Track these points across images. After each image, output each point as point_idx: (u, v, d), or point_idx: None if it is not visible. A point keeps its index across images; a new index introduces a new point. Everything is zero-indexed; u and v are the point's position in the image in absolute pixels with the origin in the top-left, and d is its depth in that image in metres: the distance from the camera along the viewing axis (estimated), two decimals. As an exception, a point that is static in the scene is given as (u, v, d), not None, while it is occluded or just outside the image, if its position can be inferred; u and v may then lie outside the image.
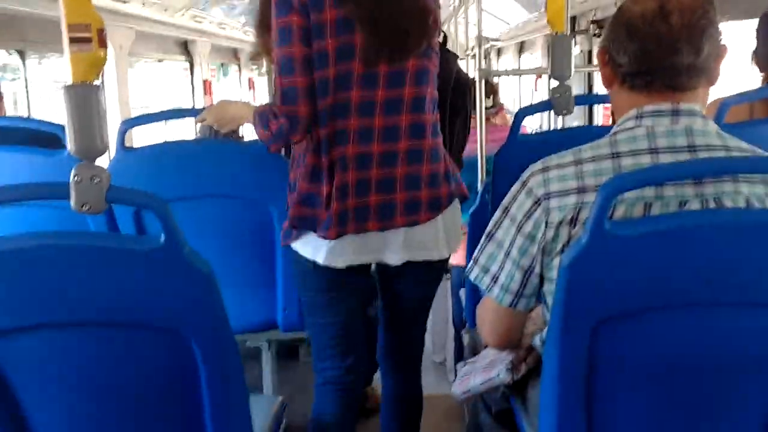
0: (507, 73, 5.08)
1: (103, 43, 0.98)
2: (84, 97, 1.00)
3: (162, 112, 1.78)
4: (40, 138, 1.77)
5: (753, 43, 1.82)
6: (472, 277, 1.20)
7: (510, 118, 2.92)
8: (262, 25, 1.58)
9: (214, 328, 1.05)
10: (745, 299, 1.01)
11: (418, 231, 1.53)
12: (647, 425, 1.09)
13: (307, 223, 1.49)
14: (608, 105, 2.97)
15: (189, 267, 1.01)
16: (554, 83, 1.77)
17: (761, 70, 1.80)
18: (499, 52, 7.67)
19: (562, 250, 1.07)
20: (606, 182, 0.97)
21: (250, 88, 6.10)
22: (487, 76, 2.43)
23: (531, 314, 1.28)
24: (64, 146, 1.69)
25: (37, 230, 1.03)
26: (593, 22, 3.93)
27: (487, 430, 1.48)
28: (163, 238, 0.99)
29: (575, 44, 4.20)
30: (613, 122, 1.15)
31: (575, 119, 4.25)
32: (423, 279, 1.64)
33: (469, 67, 5.09)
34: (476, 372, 1.40)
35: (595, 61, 4.17)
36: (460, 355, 2.64)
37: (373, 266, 1.64)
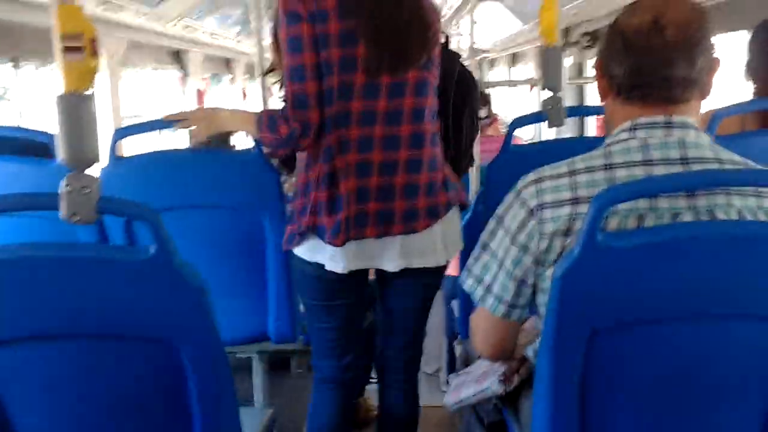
0: (500, 84, 5.11)
1: (95, 53, 0.98)
2: (76, 106, 1.00)
3: (154, 121, 1.77)
4: (32, 148, 1.76)
5: (746, 55, 1.83)
6: (465, 287, 1.20)
7: (504, 129, 2.93)
8: (277, 42, 1.60)
9: (205, 339, 1.04)
10: (738, 311, 1.01)
11: (415, 238, 1.55)
12: (641, 437, 1.08)
13: (317, 229, 1.52)
14: (600, 116, 2.98)
15: (180, 278, 1.00)
16: (546, 95, 1.78)
17: (754, 82, 1.81)
18: (492, 63, 7.71)
19: (555, 261, 1.07)
20: (598, 194, 0.97)
21: (243, 97, 6.11)
22: (480, 86, 2.44)
23: (524, 326, 1.28)
24: (54, 156, 1.69)
25: (27, 241, 1.03)
26: (585, 34, 3.95)
27: (480, 441, 1.48)
28: (153, 248, 0.98)
29: (567, 56, 4.23)
30: (605, 134, 1.15)
31: (568, 130, 4.27)
32: (420, 286, 1.66)
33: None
34: (468, 383, 1.39)
35: (586, 72, 4.21)
36: (452, 366, 2.63)
37: (372, 274, 1.66)
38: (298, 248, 1.57)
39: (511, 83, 5.62)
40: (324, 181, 1.50)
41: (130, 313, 1.02)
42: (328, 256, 1.54)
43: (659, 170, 1.04)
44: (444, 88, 1.70)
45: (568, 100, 4.18)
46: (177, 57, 3.82)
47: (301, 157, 1.59)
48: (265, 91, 2.27)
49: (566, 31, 4.13)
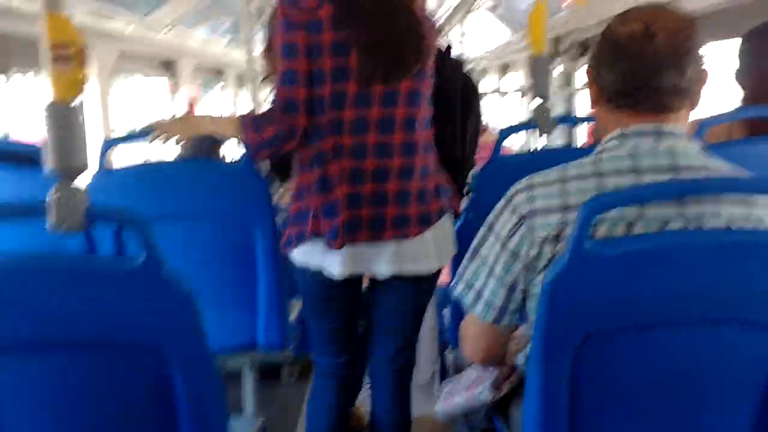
0: (490, 93, 5.13)
1: (83, 62, 0.98)
2: (64, 115, 1.00)
3: (145, 131, 1.76)
4: (21, 156, 1.75)
5: (735, 64, 1.84)
6: (456, 292, 1.21)
7: (495, 137, 2.93)
8: (272, 49, 1.61)
9: (194, 349, 1.04)
10: (726, 317, 1.01)
11: (407, 245, 1.57)
12: (630, 443, 1.09)
13: (319, 234, 1.55)
14: (590, 125, 3.00)
15: (169, 287, 1.00)
16: (535, 103, 1.79)
17: (743, 90, 1.82)
18: (482, 72, 7.75)
19: (546, 267, 1.08)
20: (585, 202, 0.97)
21: (234, 105, 6.11)
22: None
23: (515, 333, 1.28)
24: (41, 165, 1.68)
25: (14, 250, 1.02)
26: (575, 43, 3.98)
27: (471, 450, 1.48)
28: (142, 257, 0.98)
29: (558, 65, 4.25)
30: (594, 143, 1.16)
31: (557, 139, 4.29)
32: (411, 291, 1.68)
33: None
34: (459, 391, 1.39)
35: (576, 82, 4.24)
36: (443, 375, 2.63)
37: (366, 282, 1.69)
38: (296, 253, 1.60)
39: (502, 92, 5.65)
40: (319, 187, 1.53)
41: (118, 322, 1.02)
42: (325, 261, 1.57)
43: (649, 178, 1.05)
44: (449, 95, 1.72)
45: (558, 109, 4.21)
46: (168, 66, 3.81)
47: (296, 162, 1.61)
48: (256, 98, 2.27)
49: (556, 41, 4.15)
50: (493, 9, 4.37)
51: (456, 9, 5.09)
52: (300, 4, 1.46)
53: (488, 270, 1.15)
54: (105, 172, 1.72)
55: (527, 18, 1.79)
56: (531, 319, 1.15)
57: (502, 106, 6.75)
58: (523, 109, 5.36)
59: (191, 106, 4.18)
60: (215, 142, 2.66)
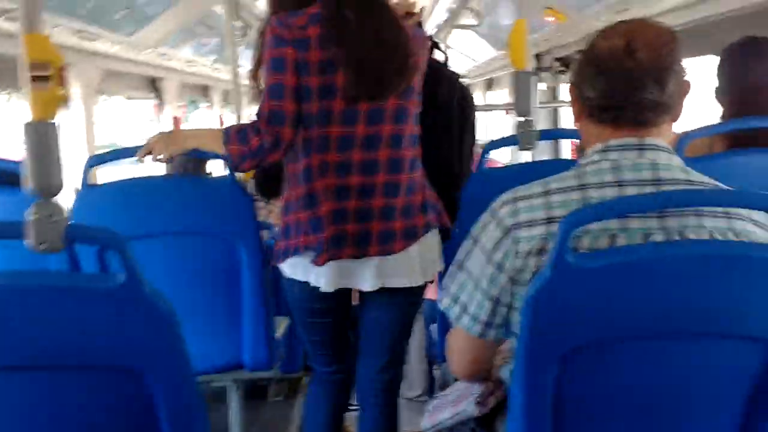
0: (476, 108, 5.13)
1: (63, 82, 0.98)
2: (43, 135, 0.99)
3: (128, 148, 1.76)
4: (3, 175, 1.73)
5: (715, 79, 1.87)
6: (442, 306, 1.20)
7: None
8: (258, 70, 1.63)
9: (175, 369, 1.02)
10: (709, 329, 1.02)
11: (392, 259, 1.59)
12: (615, 457, 1.08)
13: (306, 249, 1.57)
14: (575, 140, 3.02)
15: (150, 306, 0.99)
16: (518, 119, 1.80)
17: (722, 106, 1.84)
18: (468, 87, 7.76)
19: (530, 280, 1.08)
20: (565, 216, 0.98)
21: (220, 124, 6.10)
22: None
23: (501, 347, 1.28)
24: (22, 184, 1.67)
25: None
26: (557, 59, 4.02)
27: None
28: (123, 276, 0.97)
29: (541, 81, 4.28)
30: (579, 157, 1.17)
31: (543, 154, 4.32)
32: (396, 304, 1.69)
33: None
34: (445, 406, 1.39)
35: (560, 97, 4.27)
36: (432, 391, 2.62)
37: (356, 299, 1.71)
38: (285, 267, 1.63)
39: (487, 108, 5.68)
40: (306, 202, 1.55)
41: (99, 342, 1.01)
42: (312, 275, 1.59)
43: (631, 191, 1.05)
44: (445, 108, 1.75)
45: (542, 124, 4.24)
46: (153, 85, 3.81)
47: (286, 177, 1.64)
48: (240, 116, 2.28)
49: (538, 57, 4.20)
50: (475, 27, 4.41)
51: (440, 27, 5.14)
52: (289, 23, 1.48)
53: (473, 283, 1.15)
54: (89, 189, 1.71)
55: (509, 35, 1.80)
56: (516, 333, 1.15)
57: (488, 121, 6.79)
58: (508, 124, 5.39)
59: (176, 124, 4.17)
60: (201, 159, 2.65)
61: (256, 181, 2.69)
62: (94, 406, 1.06)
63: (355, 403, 1.91)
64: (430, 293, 2.45)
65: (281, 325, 2.12)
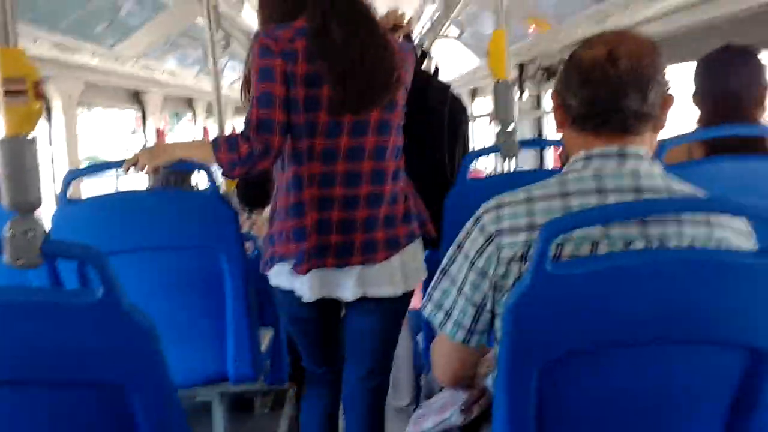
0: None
1: (38, 96, 0.97)
2: (18, 150, 0.98)
3: (108, 162, 1.75)
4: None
5: (692, 86, 1.89)
6: (426, 313, 1.21)
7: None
8: (249, 83, 1.64)
9: (156, 385, 1.01)
10: (690, 337, 1.02)
11: (373, 269, 1.61)
12: (599, 465, 1.08)
13: (287, 257, 1.60)
14: (558, 147, 3.04)
15: (129, 321, 0.98)
16: (499, 128, 1.81)
17: (700, 112, 1.86)
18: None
19: (513, 287, 1.08)
20: (545, 224, 0.98)
21: (205, 135, 6.07)
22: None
23: (486, 356, 1.28)
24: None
25: None
26: (540, 68, 4.04)
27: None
28: (101, 291, 0.96)
29: (524, 90, 4.31)
30: (563, 165, 1.18)
31: (527, 163, 4.34)
32: (379, 313, 1.70)
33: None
34: (430, 414, 1.39)
35: (543, 105, 4.30)
36: (419, 400, 2.61)
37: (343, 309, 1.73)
38: (270, 275, 1.65)
39: (472, 117, 5.71)
40: (290, 212, 1.57)
41: (77, 358, 0.99)
42: (295, 284, 1.62)
43: (612, 199, 1.06)
44: (436, 118, 1.77)
45: (526, 133, 4.26)
46: (136, 97, 3.79)
47: (276, 186, 1.66)
48: (223, 127, 2.27)
49: (521, 67, 4.22)
50: (458, 36, 4.43)
51: (424, 36, 5.16)
52: (276, 35, 1.50)
53: (457, 289, 1.15)
54: (68, 203, 1.70)
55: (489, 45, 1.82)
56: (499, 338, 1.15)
57: (473, 130, 6.82)
58: (491, 133, 5.41)
59: (160, 136, 4.16)
60: (185, 173, 2.64)
61: (238, 190, 2.69)
62: (73, 423, 1.05)
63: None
64: (416, 303, 2.45)
65: (266, 337, 2.11)
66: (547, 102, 4.32)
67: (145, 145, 1.69)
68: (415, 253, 1.67)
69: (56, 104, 2.60)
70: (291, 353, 2.48)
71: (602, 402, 1.05)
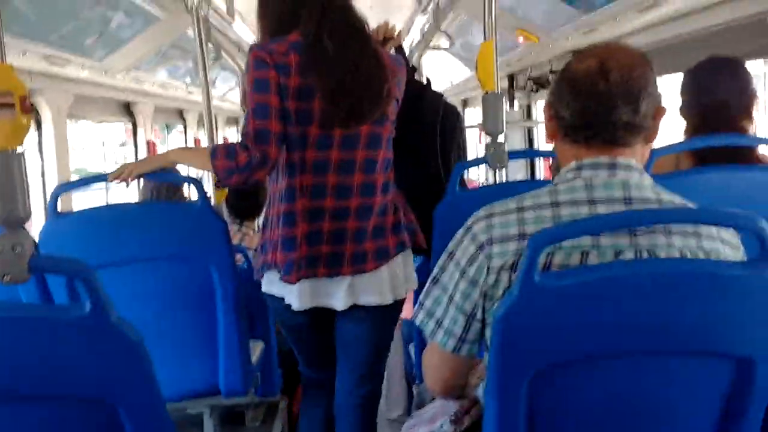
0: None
1: (27, 110, 0.97)
2: (6, 164, 0.98)
3: (98, 175, 1.75)
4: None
5: (679, 97, 1.90)
6: (417, 321, 1.21)
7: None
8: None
9: (145, 398, 1.01)
10: (678, 348, 1.02)
11: (363, 278, 1.63)
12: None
13: (275, 266, 1.61)
14: (548, 158, 3.05)
15: (117, 335, 0.98)
16: (488, 139, 1.82)
17: (686, 122, 1.88)
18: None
19: (503, 296, 1.08)
20: (532, 236, 0.98)
21: (196, 146, 6.06)
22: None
23: (477, 366, 1.28)
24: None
25: None
26: (530, 79, 4.07)
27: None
28: (88, 306, 0.96)
29: (515, 100, 4.33)
30: (554, 176, 1.18)
31: (518, 174, 4.35)
32: (370, 321, 1.71)
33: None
34: (421, 424, 1.38)
35: (534, 116, 4.32)
36: (410, 411, 2.60)
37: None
38: (263, 282, 1.67)
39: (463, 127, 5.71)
40: (281, 221, 1.59)
41: (65, 372, 0.99)
42: (284, 292, 1.63)
43: (603, 209, 1.07)
44: (429, 128, 1.79)
45: (517, 144, 4.27)
46: (127, 109, 3.78)
47: (269, 195, 1.68)
48: (213, 138, 2.27)
49: (511, 77, 4.25)
50: (449, 47, 4.45)
51: (414, 47, 5.18)
52: (270, 49, 1.53)
53: (448, 298, 1.15)
54: (57, 217, 1.69)
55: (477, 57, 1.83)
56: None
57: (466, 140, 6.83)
58: (482, 144, 5.43)
59: (152, 149, 4.15)
60: (176, 185, 2.63)
61: (228, 202, 2.69)
62: (61, 439, 1.04)
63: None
64: (407, 312, 2.45)
65: (257, 349, 2.10)
66: (537, 112, 4.35)
67: (136, 158, 1.69)
68: (404, 263, 1.69)
69: (46, 116, 2.59)
70: (282, 365, 2.47)
71: (592, 412, 1.05)
